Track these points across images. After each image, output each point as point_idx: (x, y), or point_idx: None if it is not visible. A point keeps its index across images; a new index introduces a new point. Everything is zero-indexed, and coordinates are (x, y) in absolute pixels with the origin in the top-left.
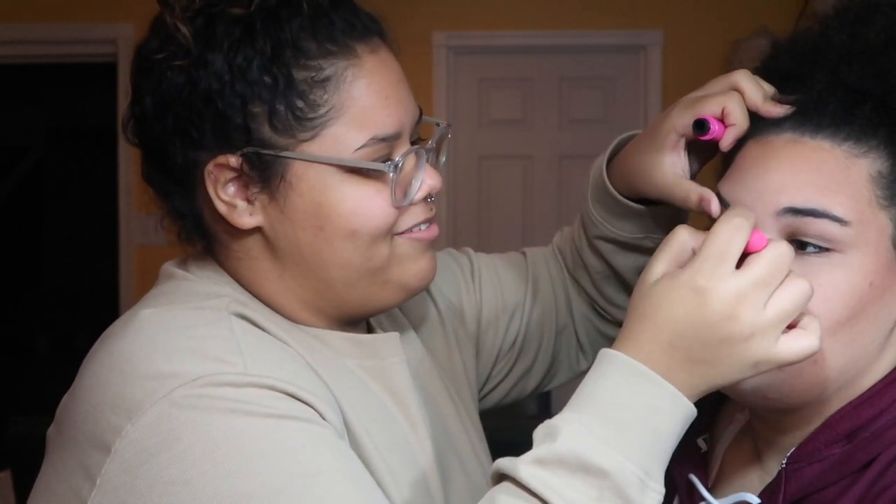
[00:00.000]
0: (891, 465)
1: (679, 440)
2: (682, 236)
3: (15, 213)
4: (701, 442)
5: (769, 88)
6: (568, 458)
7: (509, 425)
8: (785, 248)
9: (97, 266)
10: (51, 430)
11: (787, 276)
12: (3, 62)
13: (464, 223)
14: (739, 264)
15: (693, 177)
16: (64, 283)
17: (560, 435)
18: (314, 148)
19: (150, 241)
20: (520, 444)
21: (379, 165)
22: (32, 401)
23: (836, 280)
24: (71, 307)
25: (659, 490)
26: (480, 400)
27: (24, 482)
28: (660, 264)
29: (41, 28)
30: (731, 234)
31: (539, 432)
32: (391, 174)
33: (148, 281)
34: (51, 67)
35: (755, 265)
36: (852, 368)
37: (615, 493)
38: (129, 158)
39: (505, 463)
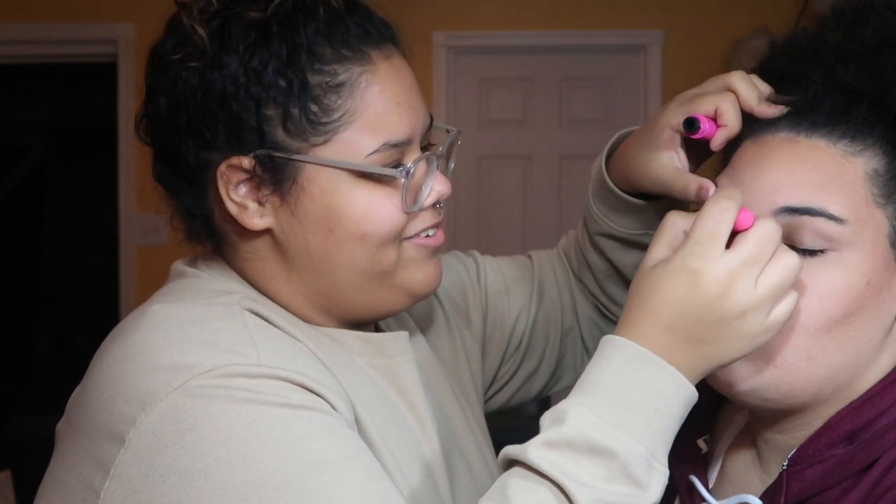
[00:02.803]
0: (892, 467)
1: (681, 423)
2: (674, 220)
3: (15, 213)
4: (701, 443)
5: (766, 89)
6: (576, 440)
7: (510, 426)
8: (771, 226)
9: (97, 266)
10: (60, 424)
11: (775, 251)
12: (3, 62)
13: (464, 223)
14: (729, 244)
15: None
16: (64, 284)
17: (567, 418)
18: (327, 152)
19: (150, 241)
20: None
21: (391, 171)
22: (32, 401)
23: (832, 279)
24: (71, 307)
25: (664, 472)
26: (486, 402)
27: (24, 482)
28: (656, 250)
29: (41, 28)
30: (718, 214)
31: (546, 418)
32: (402, 180)
33: (148, 281)
34: (51, 67)
35: (744, 244)
36: (850, 367)
37: (623, 474)
38: (129, 158)
39: (513, 449)
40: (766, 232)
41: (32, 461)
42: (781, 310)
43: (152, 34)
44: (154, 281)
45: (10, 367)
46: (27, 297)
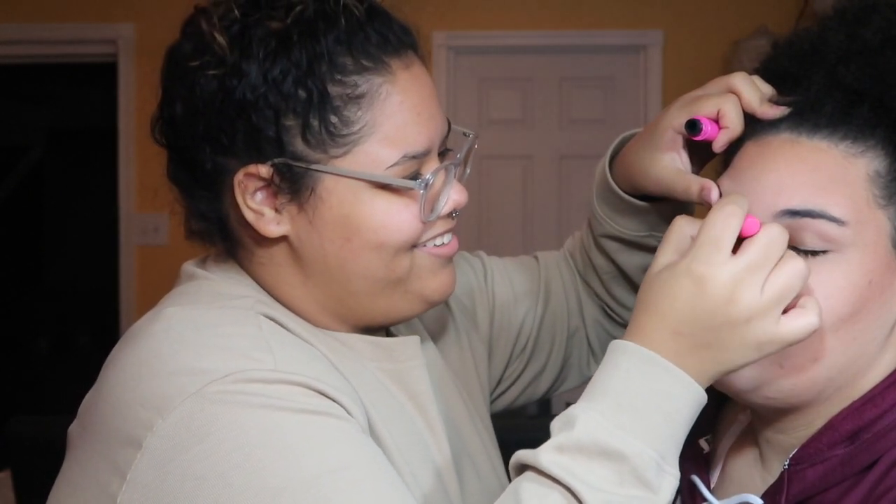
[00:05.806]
0: (893, 467)
1: (691, 425)
2: (681, 225)
3: (15, 213)
4: (703, 443)
5: (768, 90)
6: (587, 444)
7: (510, 426)
8: (777, 231)
9: (97, 266)
10: (73, 427)
11: (782, 257)
12: (3, 62)
13: (464, 223)
14: (736, 249)
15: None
16: (64, 283)
17: (577, 422)
18: (346, 164)
19: (150, 241)
20: (521, 445)
21: (410, 183)
22: (32, 401)
23: (835, 278)
24: (71, 307)
25: (675, 474)
26: (492, 402)
27: (24, 482)
28: (663, 255)
29: (41, 28)
30: (724, 220)
31: (556, 422)
32: (421, 192)
33: (148, 281)
34: (51, 67)
35: (749, 249)
36: (853, 367)
37: (634, 477)
38: (129, 158)
39: (525, 454)
40: (772, 237)
41: (32, 461)
42: (797, 326)
43: (152, 34)
44: (154, 281)
45: (10, 367)
46: (27, 297)
